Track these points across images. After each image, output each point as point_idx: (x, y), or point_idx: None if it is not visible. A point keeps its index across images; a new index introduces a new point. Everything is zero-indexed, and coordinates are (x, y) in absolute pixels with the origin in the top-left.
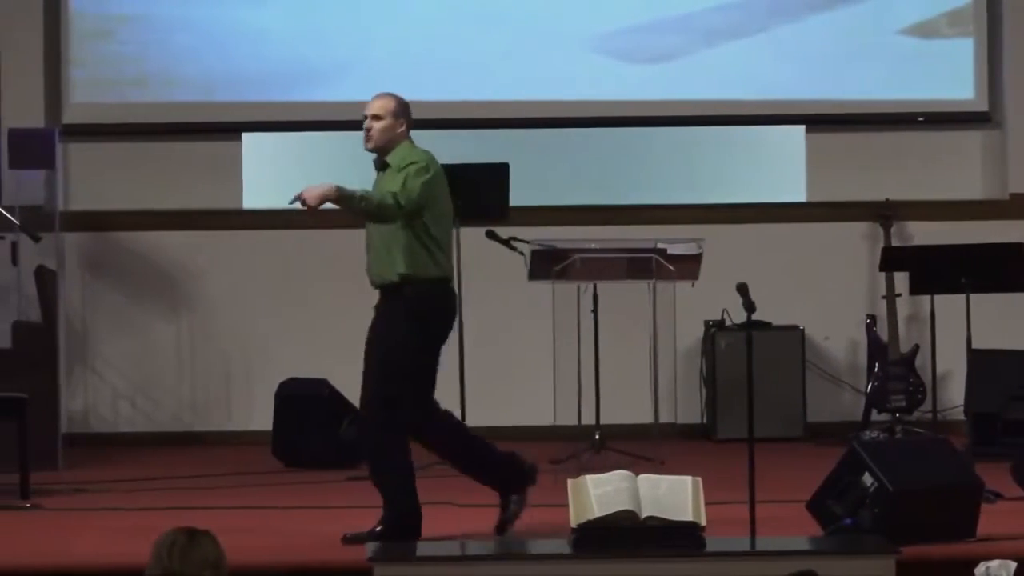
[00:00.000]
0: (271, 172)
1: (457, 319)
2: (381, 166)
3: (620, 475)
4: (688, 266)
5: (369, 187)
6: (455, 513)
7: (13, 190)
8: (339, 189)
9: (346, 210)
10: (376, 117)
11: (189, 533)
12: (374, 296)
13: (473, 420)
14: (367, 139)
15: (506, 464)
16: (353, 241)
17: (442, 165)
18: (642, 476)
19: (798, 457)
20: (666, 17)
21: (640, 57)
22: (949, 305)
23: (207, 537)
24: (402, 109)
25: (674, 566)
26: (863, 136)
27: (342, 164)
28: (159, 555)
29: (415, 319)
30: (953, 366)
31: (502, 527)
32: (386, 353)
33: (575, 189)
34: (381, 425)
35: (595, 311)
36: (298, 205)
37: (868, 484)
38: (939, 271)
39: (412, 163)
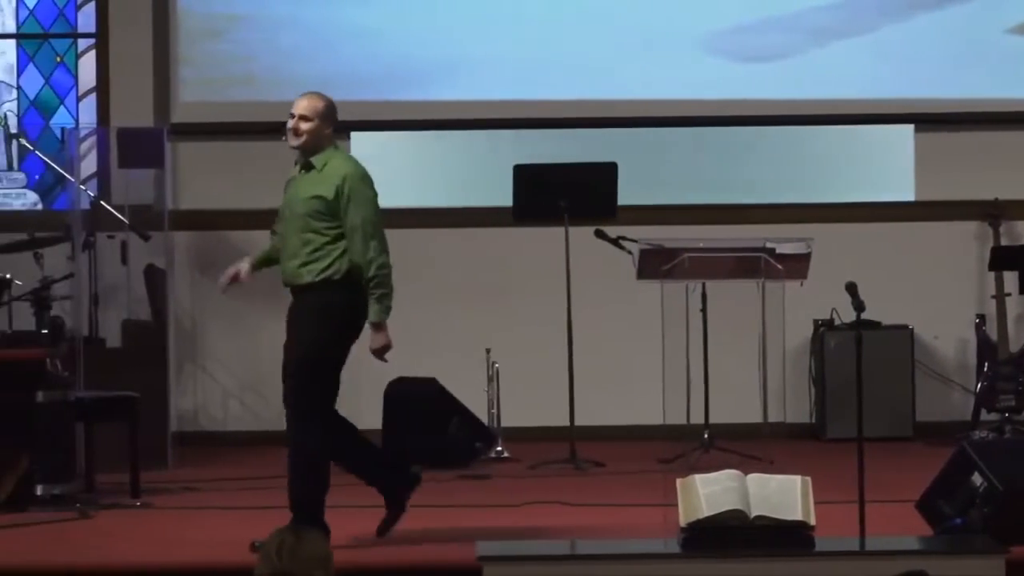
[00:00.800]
0: (379, 171)
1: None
2: (306, 167)
3: (729, 474)
4: (797, 265)
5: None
6: (565, 512)
7: (122, 189)
8: (379, 327)
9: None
10: (304, 118)
11: (296, 531)
12: (482, 296)
13: (582, 419)
14: (294, 137)
15: (392, 467)
16: (460, 240)
17: (551, 165)
18: (751, 475)
19: (907, 457)
20: (775, 16)
21: (749, 56)
22: None
23: (314, 534)
24: (330, 112)
25: (783, 565)
26: (972, 135)
27: (449, 163)
28: (268, 555)
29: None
30: None
31: (383, 530)
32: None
33: (683, 188)
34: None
35: (704, 310)
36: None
37: (977, 484)
38: None
39: (352, 178)
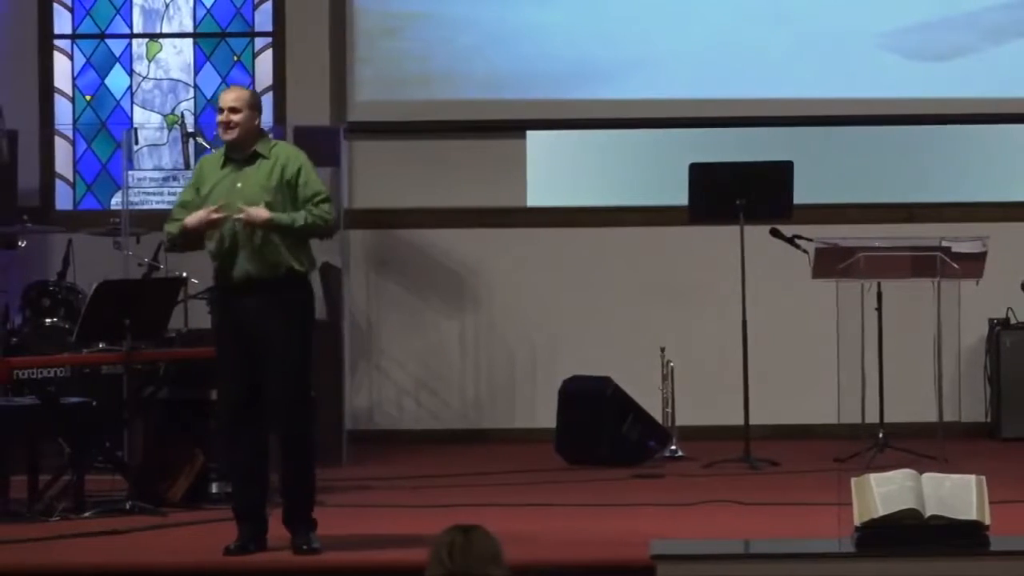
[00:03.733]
0: (556, 170)
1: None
2: (251, 158)
3: (904, 474)
4: (973, 264)
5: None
6: (739, 511)
7: None
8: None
9: (281, 234)
10: (234, 110)
11: (464, 530)
12: (656, 294)
13: (756, 418)
14: (228, 131)
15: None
16: (636, 239)
17: (726, 164)
18: (926, 475)
19: None
20: (952, 15)
21: (926, 55)
22: None
23: (481, 532)
24: (257, 101)
25: (958, 565)
26: None
27: (625, 162)
28: (439, 557)
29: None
30: None
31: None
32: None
33: (859, 187)
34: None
35: (879, 309)
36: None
37: None
38: None
39: (300, 153)
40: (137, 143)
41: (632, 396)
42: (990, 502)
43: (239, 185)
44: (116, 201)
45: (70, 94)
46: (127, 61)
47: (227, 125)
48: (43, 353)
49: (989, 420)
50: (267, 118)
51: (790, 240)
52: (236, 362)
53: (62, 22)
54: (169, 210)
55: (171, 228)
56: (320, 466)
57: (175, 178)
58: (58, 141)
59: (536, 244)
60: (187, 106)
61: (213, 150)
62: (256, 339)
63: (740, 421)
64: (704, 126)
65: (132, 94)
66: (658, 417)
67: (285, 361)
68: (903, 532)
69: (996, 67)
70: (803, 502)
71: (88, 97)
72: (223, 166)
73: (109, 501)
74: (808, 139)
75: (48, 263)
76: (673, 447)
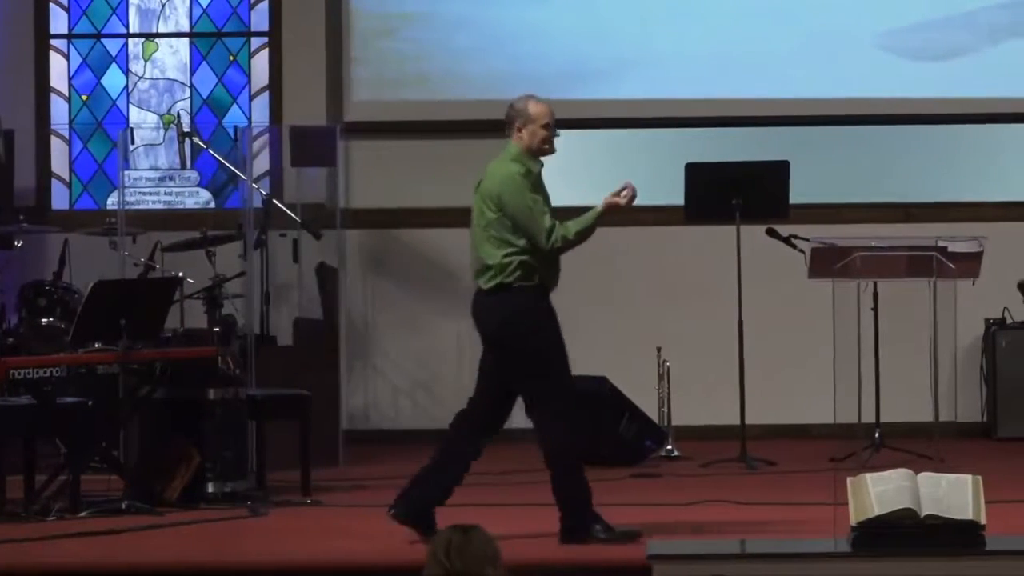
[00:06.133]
0: (552, 169)
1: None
2: None
3: (900, 473)
4: (969, 264)
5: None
6: (735, 511)
7: (295, 188)
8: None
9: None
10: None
11: (462, 530)
12: (652, 294)
13: (753, 418)
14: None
15: None
16: (631, 239)
17: (723, 163)
18: (922, 474)
19: None
20: (951, 15)
21: (925, 55)
22: None
23: (479, 532)
24: None
25: (954, 565)
26: None
27: (620, 162)
28: (437, 556)
29: None
30: None
31: None
32: None
33: (856, 187)
34: None
35: (875, 309)
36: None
37: None
38: None
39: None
40: (133, 143)
41: (628, 396)
42: (986, 502)
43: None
44: (112, 201)
45: (66, 94)
46: (123, 61)
47: (553, 140)
48: (39, 353)
49: (985, 420)
50: (263, 118)
51: (786, 240)
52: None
53: (58, 22)
54: (164, 210)
55: (565, 232)
56: (316, 466)
57: (171, 178)
58: (54, 141)
59: None
60: (183, 106)
61: (210, 150)
62: None
63: (736, 421)
64: (701, 126)
65: (128, 94)
66: (654, 417)
67: None
68: (899, 532)
69: (993, 67)
70: (799, 502)
71: (84, 97)
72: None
73: (105, 501)
74: (804, 139)
75: (44, 263)
76: (669, 447)
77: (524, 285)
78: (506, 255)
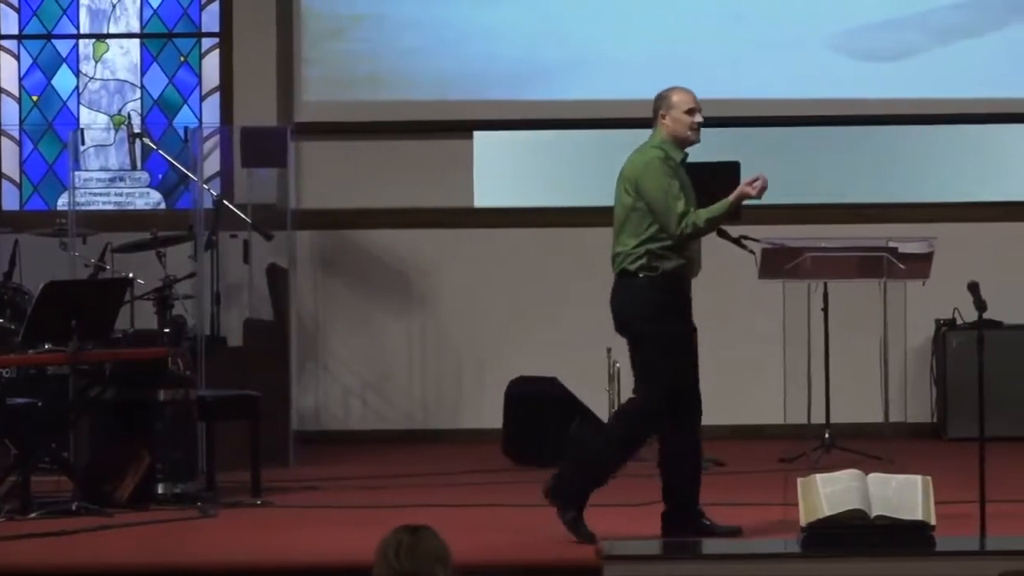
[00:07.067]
0: (503, 170)
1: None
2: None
3: (850, 474)
4: (919, 265)
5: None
6: None
7: (245, 189)
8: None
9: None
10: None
11: (412, 530)
12: (603, 295)
13: (704, 419)
14: (698, 132)
15: None
16: (580, 239)
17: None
18: (872, 475)
19: None
20: (903, 16)
21: (876, 55)
22: None
23: (429, 532)
24: None
25: (904, 565)
26: None
27: (571, 163)
28: (385, 557)
29: None
30: None
31: None
32: None
33: (807, 188)
34: None
35: (825, 309)
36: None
37: None
38: None
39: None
40: (84, 144)
41: (579, 397)
42: (935, 502)
43: (688, 180)
44: (63, 202)
45: (16, 94)
46: (74, 62)
47: (699, 127)
48: None
49: (935, 420)
50: (214, 118)
51: (736, 240)
52: None
53: (8, 22)
54: (114, 211)
55: (696, 219)
56: (267, 467)
57: (121, 179)
58: (4, 141)
59: (483, 245)
60: (134, 107)
61: (160, 151)
62: None
63: None
64: (651, 126)
65: (79, 95)
66: (605, 418)
67: None
68: (849, 532)
69: (945, 67)
70: (749, 502)
71: (35, 98)
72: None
73: (55, 502)
74: (756, 140)
75: None
76: None
77: (648, 275)
78: (636, 244)
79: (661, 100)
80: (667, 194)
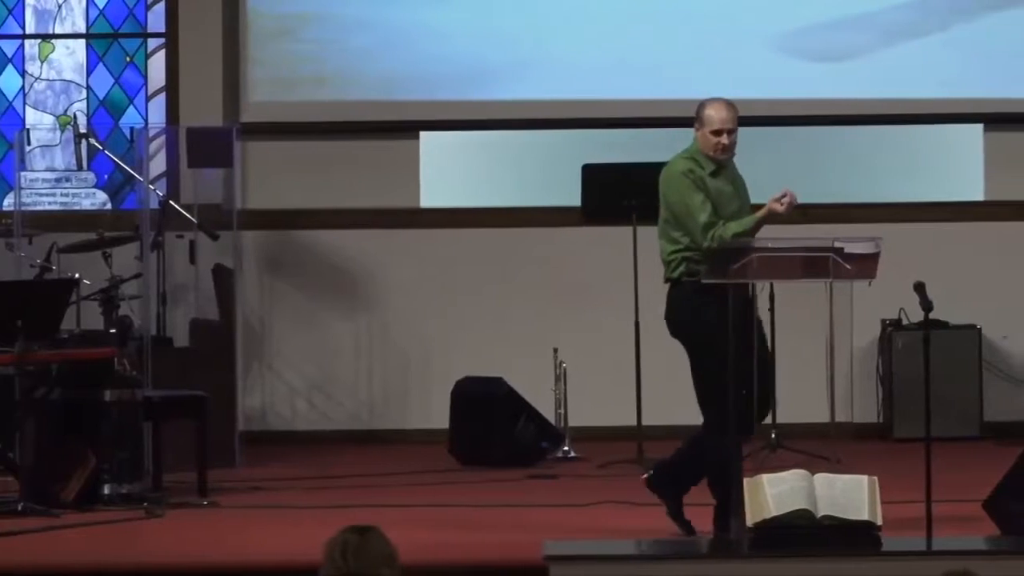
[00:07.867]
0: (449, 171)
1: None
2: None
3: (796, 474)
4: (866, 265)
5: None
6: (632, 512)
7: (191, 189)
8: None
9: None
10: (731, 132)
11: (359, 531)
12: (549, 296)
13: (649, 419)
14: (727, 152)
15: None
16: (528, 240)
17: (620, 165)
18: (818, 475)
19: (975, 456)
20: (846, 16)
21: (818, 56)
22: None
23: (376, 533)
24: None
25: (850, 565)
26: None
27: (519, 163)
28: (332, 557)
29: None
30: None
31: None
32: None
33: (752, 188)
34: None
35: (771, 310)
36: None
37: None
38: None
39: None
40: (29, 144)
41: (525, 397)
42: (882, 502)
43: (731, 189)
44: (8, 202)
45: None
46: (19, 62)
47: (728, 147)
48: None
49: (881, 421)
50: (160, 119)
51: None
52: None
53: None
54: (60, 211)
55: (723, 232)
56: (213, 467)
57: (67, 179)
58: None
59: (429, 245)
60: (80, 107)
61: (106, 152)
62: None
63: (633, 422)
64: (598, 127)
65: (24, 95)
66: (551, 418)
67: None
68: (795, 532)
69: (889, 68)
70: (696, 503)
71: None
72: (713, 175)
73: (1, 503)
74: None
75: None
76: (566, 448)
77: (691, 280)
78: (673, 251)
79: (698, 110)
80: (689, 207)
